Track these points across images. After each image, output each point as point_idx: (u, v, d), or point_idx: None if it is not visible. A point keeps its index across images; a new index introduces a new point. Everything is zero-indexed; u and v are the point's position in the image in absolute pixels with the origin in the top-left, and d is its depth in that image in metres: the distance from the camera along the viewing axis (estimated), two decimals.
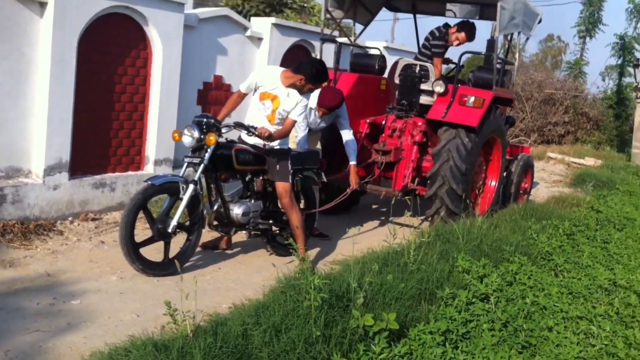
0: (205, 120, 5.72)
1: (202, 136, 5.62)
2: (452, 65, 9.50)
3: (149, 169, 7.84)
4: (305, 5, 15.71)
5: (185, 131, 5.70)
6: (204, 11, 8.86)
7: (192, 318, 3.55)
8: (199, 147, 5.70)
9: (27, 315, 4.54)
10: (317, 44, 10.45)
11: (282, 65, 9.33)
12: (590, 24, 26.55)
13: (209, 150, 5.62)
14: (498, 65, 8.09)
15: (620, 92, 23.24)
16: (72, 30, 6.72)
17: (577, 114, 20.39)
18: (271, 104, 6.06)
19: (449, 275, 5.22)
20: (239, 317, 3.85)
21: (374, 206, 9.51)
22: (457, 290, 4.97)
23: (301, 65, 6.05)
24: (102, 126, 7.32)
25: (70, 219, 6.82)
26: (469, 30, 8.58)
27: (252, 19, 10.01)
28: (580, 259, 6.49)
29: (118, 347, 3.44)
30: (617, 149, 20.32)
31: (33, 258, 5.71)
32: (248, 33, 9.36)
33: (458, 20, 8.97)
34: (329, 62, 9.12)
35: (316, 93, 7.27)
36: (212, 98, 8.92)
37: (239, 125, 5.93)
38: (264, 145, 6.00)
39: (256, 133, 5.76)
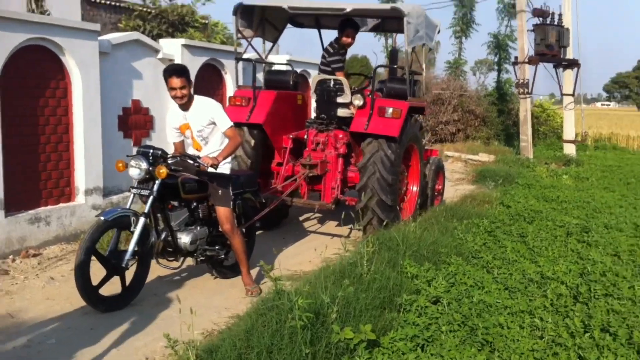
0: (151, 151, 5.72)
1: (150, 168, 5.64)
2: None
3: (80, 200, 7.80)
4: (207, 22, 15.82)
5: (132, 162, 5.68)
6: (115, 37, 8.84)
7: (194, 348, 3.68)
8: (146, 179, 5.72)
9: (6, 359, 4.49)
10: (226, 62, 10.64)
11: (195, 84, 9.45)
12: (464, 24, 27.94)
13: (157, 182, 5.66)
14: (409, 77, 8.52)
15: (501, 88, 24.61)
16: None
17: (464, 112, 21.47)
18: (189, 132, 6.16)
19: (401, 282, 5.55)
20: (230, 342, 4.00)
21: (301, 218, 9.77)
22: (410, 295, 5.32)
23: None
24: (30, 160, 7.23)
25: (11, 257, 6.74)
26: (353, 28, 8.98)
27: (162, 40, 10.04)
28: (506, 254, 7.01)
29: None
30: (504, 143, 21.54)
31: None
32: (160, 55, 9.42)
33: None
34: (246, 81, 9.36)
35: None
36: (132, 123, 8.92)
37: (184, 157, 6.00)
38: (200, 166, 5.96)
39: (202, 163, 5.84)
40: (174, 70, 5.90)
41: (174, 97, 5.92)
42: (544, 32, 17.95)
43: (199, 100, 6.09)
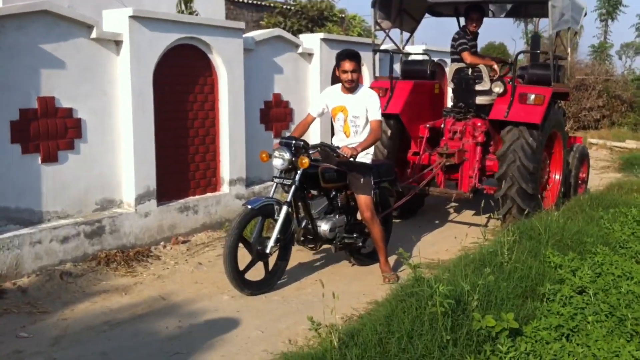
0: (294, 142, 5.96)
1: (293, 158, 5.87)
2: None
3: (224, 189, 8.21)
4: (344, 16, 16.09)
5: (276, 153, 5.94)
6: (258, 33, 9.18)
7: (337, 331, 3.82)
8: (289, 169, 5.95)
9: (161, 339, 4.89)
10: (364, 54, 10.72)
11: (334, 76, 9.64)
12: (610, 6, 26.60)
13: (299, 172, 5.88)
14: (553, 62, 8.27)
15: None
16: (147, 65, 7.06)
17: (610, 98, 20.45)
18: (342, 115, 6.30)
19: (543, 272, 5.44)
20: (371, 326, 4.11)
21: (437, 207, 9.74)
22: (554, 285, 5.20)
23: None
24: (180, 152, 7.68)
25: (162, 243, 7.22)
26: (478, 13, 8.81)
27: (302, 36, 10.31)
28: None
29: None
30: None
31: (143, 284, 6.09)
32: (300, 50, 9.67)
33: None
34: (383, 72, 9.44)
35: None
36: (273, 115, 9.25)
37: (324, 146, 6.20)
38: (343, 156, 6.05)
39: (342, 154, 5.98)
40: (348, 54, 6.18)
41: (345, 81, 6.16)
42: None
43: (364, 89, 6.33)
